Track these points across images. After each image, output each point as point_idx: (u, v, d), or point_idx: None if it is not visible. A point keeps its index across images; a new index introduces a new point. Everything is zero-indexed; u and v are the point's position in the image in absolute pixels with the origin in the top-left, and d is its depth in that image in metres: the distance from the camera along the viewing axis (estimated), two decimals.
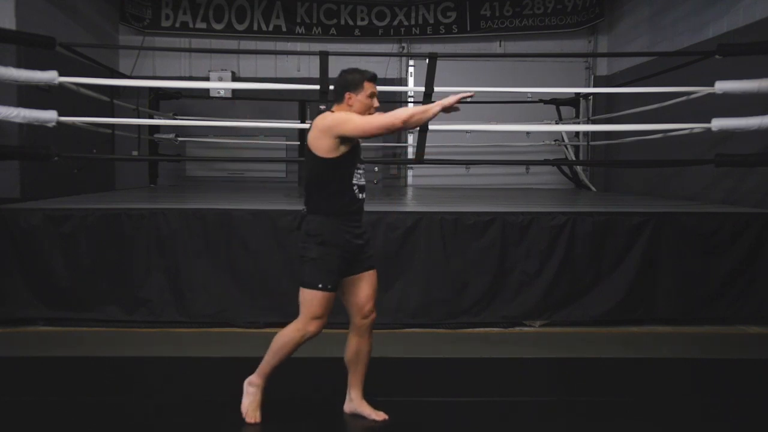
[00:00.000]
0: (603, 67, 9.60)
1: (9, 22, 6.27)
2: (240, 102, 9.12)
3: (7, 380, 3.68)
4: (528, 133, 8.30)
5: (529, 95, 8.46)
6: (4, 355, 4.12)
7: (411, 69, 9.58)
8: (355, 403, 3.08)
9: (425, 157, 5.46)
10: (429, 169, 9.15)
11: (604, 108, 8.92)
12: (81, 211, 4.80)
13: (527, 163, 9.15)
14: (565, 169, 9.20)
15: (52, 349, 4.26)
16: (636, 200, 6.68)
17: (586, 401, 3.40)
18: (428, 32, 9.46)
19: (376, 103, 2.95)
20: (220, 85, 8.51)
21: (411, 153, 9.02)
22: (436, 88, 5.14)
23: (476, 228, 4.84)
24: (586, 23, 9.38)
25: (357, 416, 3.06)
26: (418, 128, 5.33)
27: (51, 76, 4.93)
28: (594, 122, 8.82)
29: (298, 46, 9.57)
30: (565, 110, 9.01)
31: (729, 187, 6.17)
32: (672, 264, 4.90)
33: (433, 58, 5.19)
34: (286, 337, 2.89)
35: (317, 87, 5.16)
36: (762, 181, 5.68)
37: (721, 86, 5.07)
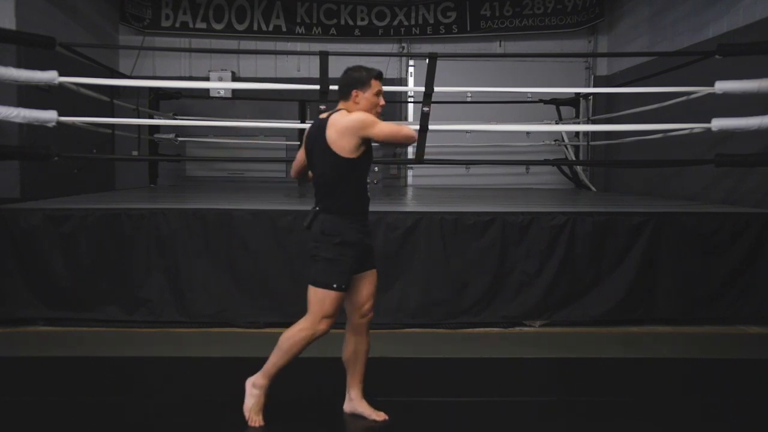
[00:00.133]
0: (603, 67, 9.60)
1: (9, 22, 6.27)
2: (240, 102, 9.12)
3: (7, 380, 3.68)
4: (528, 133, 8.30)
5: (529, 95, 8.46)
6: (4, 355, 4.12)
7: (411, 69, 9.58)
8: (355, 402, 3.08)
9: (425, 157, 5.45)
10: (429, 169, 9.15)
11: (604, 108, 8.92)
12: (81, 211, 4.80)
13: (527, 163, 9.15)
14: (565, 169, 9.21)
15: (52, 349, 4.27)
16: (636, 200, 6.68)
17: (586, 401, 3.41)
18: (428, 32, 9.46)
19: (382, 101, 2.96)
20: (220, 85, 8.51)
21: (411, 153, 9.00)
22: (436, 88, 5.14)
23: (476, 228, 4.84)
24: (586, 23, 9.38)
25: (357, 416, 3.06)
26: (418, 128, 5.33)
27: (51, 76, 4.93)
28: (594, 122, 8.82)
29: (298, 46, 9.57)
30: (565, 110, 9.01)
31: (729, 187, 6.17)
32: (672, 264, 4.90)
33: (433, 58, 5.19)
34: (295, 336, 2.88)
35: (317, 87, 5.16)
36: (762, 181, 5.68)
37: (721, 86, 5.07)
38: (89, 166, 7.61)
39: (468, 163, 8.90)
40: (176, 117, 8.38)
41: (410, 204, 6.16)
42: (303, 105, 8.53)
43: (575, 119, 8.90)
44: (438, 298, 4.81)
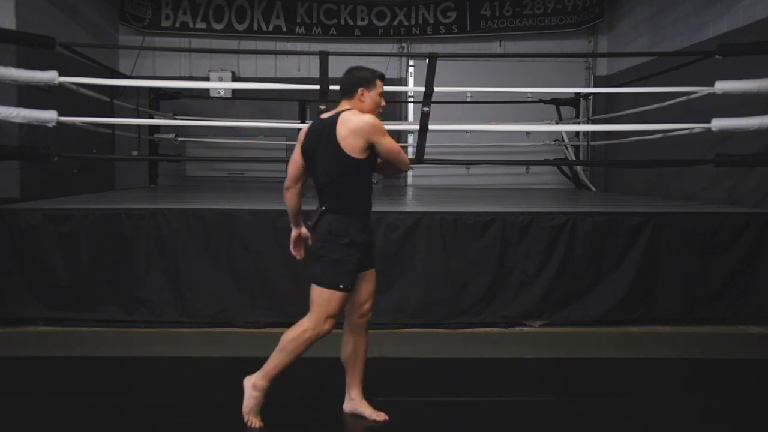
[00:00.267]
0: (603, 67, 9.60)
1: (9, 22, 6.27)
2: (240, 102, 9.12)
3: (7, 380, 3.68)
4: (528, 133, 8.30)
5: (529, 95, 8.46)
6: (4, 355, 4.12)
7: (411, 69, 9.58)
8: (355, 402, 3.08)
9: (425, 157, 5.45)
10: (429, 169, 9.15)
11: (604, 108, 8.92)
12: (81, 211, 4.80)
13: (527, 163, 9.15)
14: (565, 169, 9.21)
15: (52, 349, 4.26)
16: (636, 200, 6.68)
17: (586, 401, 3.41)
18: (428, 32, 9.46)
19: (383, 102, 2.99)
20: (220, 85, 8.51)
21: (411, 153, 9.01)
22: (436, 88, 5.14)
23: (476, 228, 4.84)
24: (586, 23, 9.38)
25: (357, 416, 3.06)
26: (418, 128, 5.33)
27: (51, 76, 4.93)
28: (594, 122, 8.82)
29: (298, 46, 9.57)
30: (565, 110, 9.01)
31: (729, 187, 6.17)
32: (672, 264, 4.90)
33: (433, 58, 5.19)
34: (300, 338, 2.86)
35: (317, 87, 5.16)
36: (762, 181, 5.68)
37: (721, 86, 5.07)
38: (89, 166, 7.61)
39: (468, 163, 8.90)
40: (176, 117, 8.38)
41: (410, 204, 6.16)
42: (303, 105, 8.53)
43: (575, 119, 8.90)
44: (438, 298, 4.81)
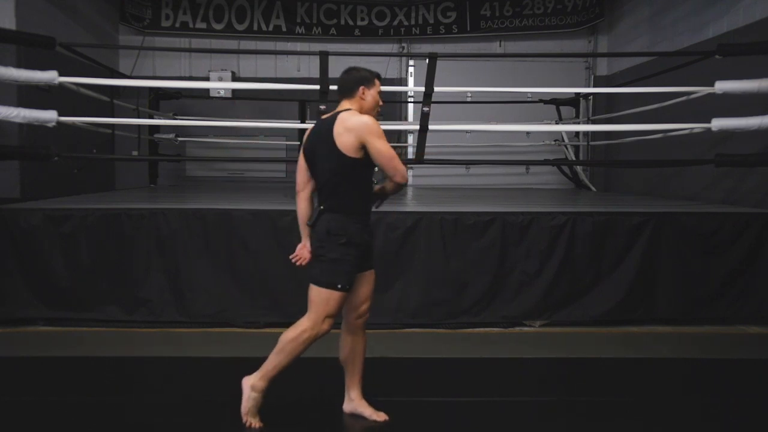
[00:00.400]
0: (603, 67, 9.60)
1: (9, 22, 6.27)
2: (240, 102, 9.12)
3: (7, 380, 3.68)
4: (528, 133, 8.29)
5: (529, 95, 8.45)
6: (4, 355, 4.12)
7: (411, 69, 9.58)
8: (355, 402, 3.08)
9: (425, 157, 5.45)
10: (429, 169, 9.15)
11: (604, 108, 8.92)
12: (81, 211, 4.80)
13: (527, 163, 9.15)
14: (565, 169, 9.21)
15: (52, 349, 4.27)
16: (636, 200, 6.68)
17: (586, 401, 3.41)
18: (428, 32, 9.46)
19: (381, 102, 3.02)
20: (220, 85, 8.51)
21: (411, 153, 9.02)
22: (436, 88, 5.14)
23: (476, 228, 4.84)
24: (586, 23, 9.38)
25: (357, 416, 3.06)
26: (418, 128, 5.34)
27: (51, 76, 4.93)
28: (594, 122, 8.82)
29: (298, 46, 9.57)
30: (565, 110, 9.01)
31: (729, 187, 6.17)
32: (672, 264, 4.90)
33: (433, 58, 5.19)
34: (299, 338, 2.86)
35: (317, 87, 5.16)
36: (762, 181, 5.68)
37: (721, 86, 5.07)
38: (89, 166, 7.61)
39: (468, 163, 8.90)
40: (176, 117, 8.38)
41: (410, 204, 6.16)
42: (303, 105, 8.52)
43: (575, 119, 8.90)
44: (438, 298, 4.81)
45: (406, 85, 9.49)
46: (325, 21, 9.45)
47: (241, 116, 8.97)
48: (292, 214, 4.77)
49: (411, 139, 9.14)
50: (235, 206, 4.98)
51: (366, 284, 3.02)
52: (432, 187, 8.96)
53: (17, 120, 4.91)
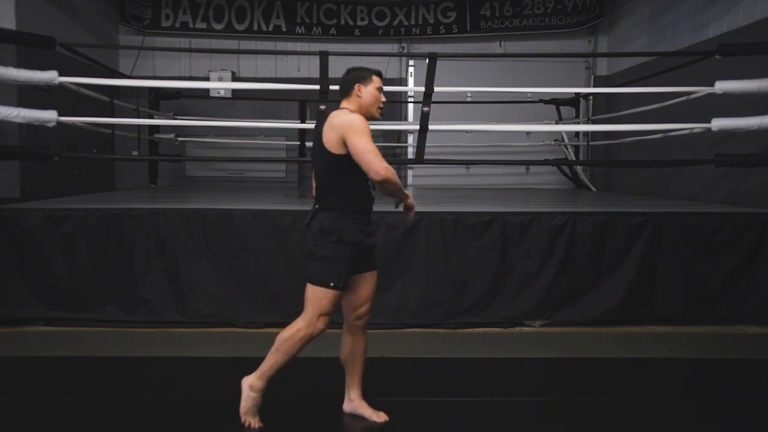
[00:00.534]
0: (603, 67, 9.60)
1: (9, 22, 6.27)
2: (240, 102, 9.12)
3: (7, 380, 3.68)
4: (528, 133, 8.30)
5: (529, 95, 8.46)
6: (4, 355, 4.12)
7: (411, 69, 9.58)
8: (355, 403, 3.08)
9: (425, 157, 5.45)
10: (429, 169, 9.15)
11: (604, 108, 8.92)
12: (81, 211, 4.80)
13: (527, 163, 9.15)
14: (565, 169, 9.20)
15: (52, 349, 4.27)
16: (636, 200, 6.68)
17: (586, 401, 3.41)
18: (428, 32, 9.46)
19: (383, 98, 2.97)
20: (220, 85, 8.50)
21: (411, 153, 9.02)
22: (436, 88, 5.14)
23: (476, 228, 4.84)
24: (586, 23, 9.38)
25: (357, 416, 3.06)
26: (418, 128, 5.33)
27: (51, 76, 4.93)
28: (594, 122, 8.82)
29: (298, 46, 9.57)
30: (565, 110, 9.01)
31: (729, 187, 6.17)
32: (672, 264, 4.90)
33: (433, 58, 5.19)
34: (294, 337, 2.86)
35: (317, 87, 5.16)
36: (762, 181, 5.68)
37: (721, 86, 5.07)
38: (89, 166, 7.61)
39: (468, 163, 8.90)
40: (176, 117, 8.38)
41: None
42: (303, 105, 8.53)
43: (575, 119, 8.90)
44: (438, 298, 4.81)
45: (406, 85, 9.49)
46: (325, 21, 9.45)
47: (241, 116, 8.97)
48: (292, 214, 4.79)
49: (411, 139, 9.14)
50: (235, 206, 4.98)
51: (366, 285, 3.01)
52: (432, 187, 8.97)
53: (17, 120, 4.91)
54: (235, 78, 9.29)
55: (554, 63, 9.26)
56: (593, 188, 8.88)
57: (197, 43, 9.40)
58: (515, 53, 9.45)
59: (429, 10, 9.43)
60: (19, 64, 5.86)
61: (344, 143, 2.80)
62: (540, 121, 8.79)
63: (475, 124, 7.39)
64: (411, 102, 9.34)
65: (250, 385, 2.92)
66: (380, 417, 3.02)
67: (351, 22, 9.45)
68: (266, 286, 4.77)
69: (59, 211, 4.79)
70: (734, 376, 3.88)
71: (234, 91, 8.86)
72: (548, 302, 4.86)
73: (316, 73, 5.45)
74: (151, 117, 8.18)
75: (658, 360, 4.16)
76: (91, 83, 5.55)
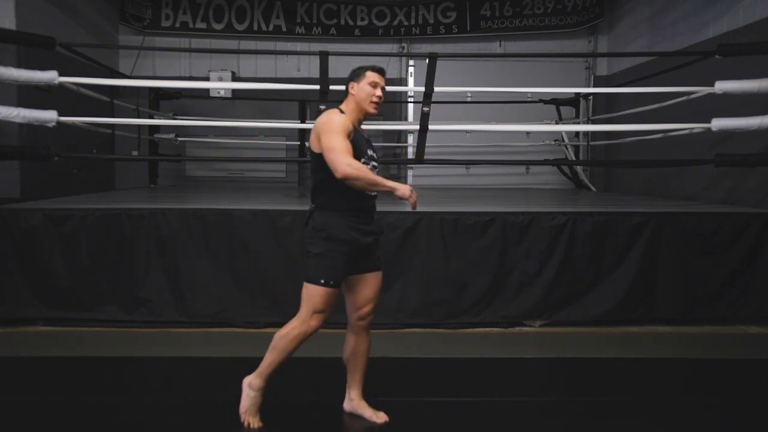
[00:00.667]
0: (603, 67, 9.60)
1: (9, 22, 6.27)
2: (240, 102, 9.12)
3: (7, 380, 3.68)
4: (528, 133, 8.30)
5: (529, 95, 8.47)
6: (4, 355, 4.12)
7: (411, 69, 9.58)
8: (354, 403, 3.08)
9: (425, 157, 5.46)
10: (429, 169, 9.15)
11: (604, 108, 8.93)
12: (81, 211, 4.80)
13: (527, 163, 9.16)
14: (565, 169, 9.21)
15: (52, 349, 4.26)
16: (636, 200, 6.68)
17: (586, 401, 3.40)
18: (428, 32, 9.47)
19: (378, 92, 2.92)
20: (220, 85, 8.51)
21: (411, 153, 9.02)
22: (436, 88, 5.14)
23: (476, 228, 4.84)
24: (586, 23, 9.38)
25: (357, 416, 3.06)
26: (418, 128, 5.33)
27: (51, 76, 4.93)
28: (594, 122, 8.82)
29: (298, 46, 9.57)
30: (565, 110, 9.01)
31: (729, 187, 6.17)
32: (672, 264, 4.90)
33: (433, 58, 5.19)
34: (289, 335, 2.87)
35: (317, 87, 5.16)
36: (762, 181, 5.68)
37: (721, 86, 5.07)
38: (89, 166, 7.61)
39: (468, 163, 8.91)
40: (176, 117, 8.38)
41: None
42: (303, 105, 8.53)
43: (575, 119, 8.90)
44: (438, 298, 4.81)
45: (406, 85, 9.49)
46: (325, 21, 9.45)
47: (241, 116, 8.97)
48: (292, 214, 4.79)
49: (411, 139, 9.14)
50: (235, 206, 4.98)
51: (366, 286, 2.99)
52: (432, 187, 8.96)
53: (17, 120, 4.91)
54: (235, 78, 9.30)
55: (554, 63, 9.26)
56: (593, 188, 8.88)
57: (197, 43, 9.41)
58: (515, 53, 9.45)
59: (429, 10, 9.43)
60: (19, 64, 5.86)
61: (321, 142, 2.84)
62: (540, 121, 8.80)
63: (475, 124, 7.40)
64: (411, 102, 9.34)
65: (249, 383, 2.93)
66: (380, 417, 3.02)
67: (351, 22, 9.46)
68: (266, 286, 4.77)
69: (59, 211, 4.79)
70: (734, 376, 3.88)
71: (234, 91, 8.86)
72: (548, 302, 4.86)
73: (316, 73, 5.45)
74: (151, 117, 8.18)
75: (658, 360, 4.16)
76: (91, 83, 5.55)
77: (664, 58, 7.10)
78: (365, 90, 2.91)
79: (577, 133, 9.09)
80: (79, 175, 7.25)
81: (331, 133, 2.79)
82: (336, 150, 2.76)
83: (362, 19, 9.46)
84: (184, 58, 9.46)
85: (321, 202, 2.91)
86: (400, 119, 9.55)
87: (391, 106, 9.33)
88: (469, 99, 8.64)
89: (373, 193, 2.94)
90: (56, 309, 4.72)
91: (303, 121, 8.24)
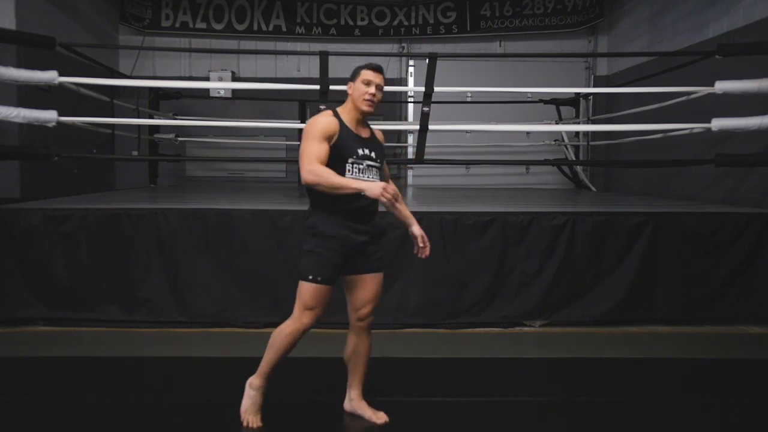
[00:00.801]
0: (603, 67, 9.60)
1: (9, 22, 6.28)
2: (240, 102, 9.12)
3: (7, 380, 3.68)
4: (528, 133, 8.31)
5: (529, 95, 8.47)
6: (4, 355, 4.12)
7: (411, 69, 9.58)
8: (354, 403, 3.08)
9: (425, 157, 5.46)
10: (429, 169, 9.16)
11: (604, 108, 8.93)
12: (81, 211, 4.80)
13: (527, 163, 9.16)
14: (565, 169, 9.21)
15: (52, 349, 4.26)
16: (636, 200, 6.68)
17: (586, 401, 3.40)
18: (428, 32, 9.47)
19: (371, 90, 2.88)
20: (220, 85, 8.51)
21: (411, 153, 9.02)
22: (436, 88, 5.14)
23: (476, 228, 4.84)
24: (586, 23, 9.38)
25: (357, 416, 3.06)
26: (418, 128, 5.33)
27: (51, 76, 4.93)
28: (594, 122, 8.82)
29: (298, 46, 9.57)
30: (565, 110, 9.01)
31: (729, 187, 6.18)
32: (672, 264, 4.90)
33: (433, 58, 5.19)
34: (283, 332, 2.88)
35: (317, 87, 5.16)
36: (762, 181, 5.68)
37: (721, 86, 5.07)
38: (89, 166, 7.61)
39: (468, 163, 8.91)
40: (176, 117, 8.39)
41: (410, 204, 6.14)
42: (303, 105, 8.53)
43: (575, 119, 8.90)
44: (438, 298, 4.81)
45: (406, 85, 9.50)
46: (325, 21, 9.45)
47: (241, 116, 8.98)
48: (292, 214, 4.79)
49: (411, 139, 9.14)
50: (235, 206, 4.97)
51: (365, 288, 2.98)
52: (432, 187, 8.96)
53: (17, 120, 4.91)
54: (235, 78, 9.30)
55: (554, 63, 9.26)
56: (593, 188, 8.88)
57: (197, 43, 9.41)
58: (515, 53, 9.45)
59: (429, 10, 9.43)
60: (19, 64, 5.86)
61: None
62: (540, 121, 8.80)
63: (475, 124, 7.40)
64: (411, 102, 9.34)
65: (249, 383, 2.95)
66: (380, 417, 3.02)
67: (351, 22, 9.46)
68: (266, 286, 4.77)
69: (59, 211, 4.79)
70: (734, 376, 3.88)
71: (234, 91, 8.86)
72: (548, 302, 4.86)
73: (316, 73, 5.45)
74: (151, 117, 8.18)
75: (658, 360, 4.15)
76: (91, 83, 5.55)
77: (664, 58, 7.11)
78: (359, 88, 2.90)
79: (577, 133, 9.09)
80: (79, 175, 7.25)
81: (305, 138, 2.82)
82: (303, 156, 2.79)
83: (362, 19, 9.46)
84: (184, 58, 9.46)
85: (313, 202, 2.94)
86: (400, 119, 9.55)
87: (391, 106, 9.33)
88: (469, 99, 8.64)
89: (363, 193, 2.79)
90: (56, 309, 4.72)
91: (303, 121, 8.22)
